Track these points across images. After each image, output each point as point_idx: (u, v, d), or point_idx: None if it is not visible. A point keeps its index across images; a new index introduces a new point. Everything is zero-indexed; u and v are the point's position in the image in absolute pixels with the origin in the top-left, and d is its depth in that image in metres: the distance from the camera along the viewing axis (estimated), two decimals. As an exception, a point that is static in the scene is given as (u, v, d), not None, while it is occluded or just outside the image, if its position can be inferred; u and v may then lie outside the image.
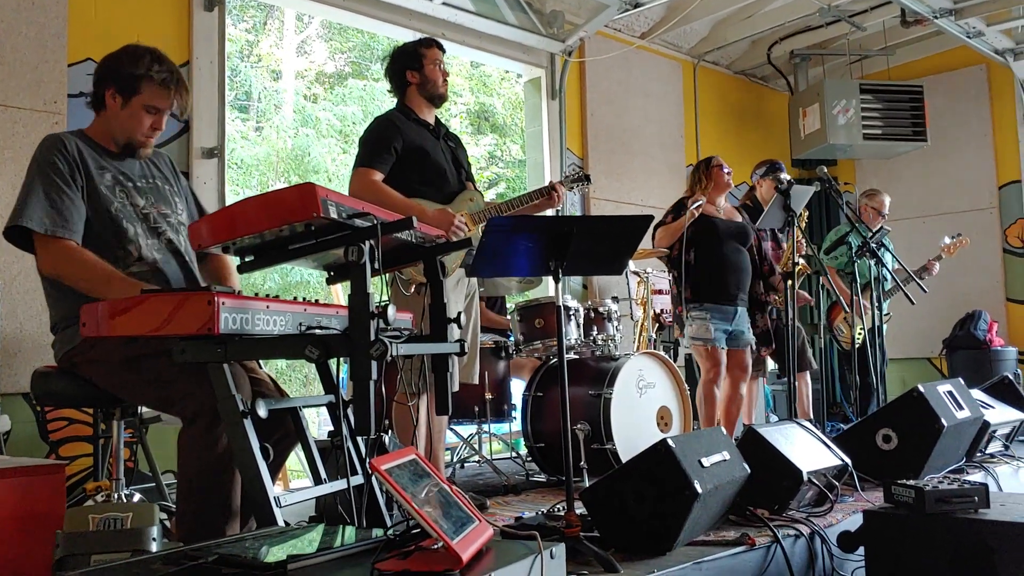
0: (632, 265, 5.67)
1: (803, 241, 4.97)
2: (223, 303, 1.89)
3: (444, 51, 3.74)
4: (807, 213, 5.29)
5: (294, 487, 4.55)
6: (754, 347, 5.01)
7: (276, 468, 2.56)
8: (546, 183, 4.17)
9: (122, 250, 2.50)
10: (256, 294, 2.04)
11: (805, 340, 5.38)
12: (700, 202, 4.74)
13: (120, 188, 2.57)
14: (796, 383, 4.92)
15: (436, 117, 3.76)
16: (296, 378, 10.96)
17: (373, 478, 2.24)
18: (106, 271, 2.41)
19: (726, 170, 4.92)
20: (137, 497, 2.88)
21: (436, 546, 1.47)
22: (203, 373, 2.07)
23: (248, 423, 2.01)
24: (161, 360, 2.21)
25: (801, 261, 5.05)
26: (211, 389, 2.05)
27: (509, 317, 4.74)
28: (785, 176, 5.07)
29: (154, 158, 2.73)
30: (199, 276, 2.70)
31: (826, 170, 4.79)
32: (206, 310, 1.88)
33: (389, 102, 3.84)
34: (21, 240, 2.46)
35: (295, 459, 5.80)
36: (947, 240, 6.16)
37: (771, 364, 5.65)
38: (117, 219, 2.51)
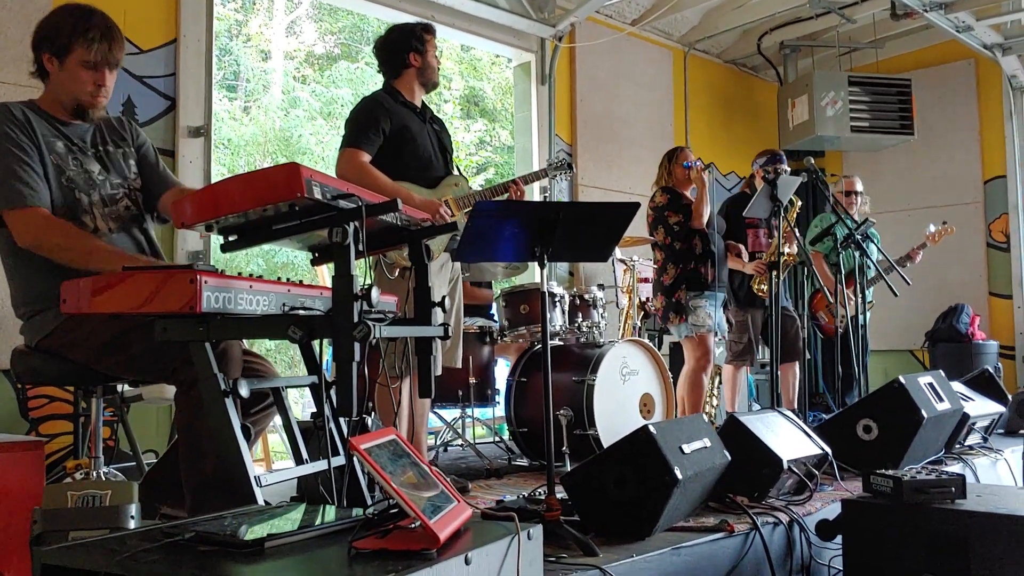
0: (618, 253, 5.69)
1: (791, 231, 5.00)
2: (205, 281, 1.88)
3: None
4: (799, 203, 5.32)
5: (276, 467, 4.55)
6: (727, 335, 5.14)
7: (254, 439, 2.55)
8: (534, 169, 4.17)
9: (77, 221, 2.45)
10: (239, 274, 2.03)
11: (799, 329, 5.41)
12: (697, 163, 4.84)
13: (72, 156, 2.51)
14: (782, 373, 4.98)
15: (423, 101, 3.75)
16: (282, 360, 10.94)
17: (354, 459, 2.24)
18: (87, 239, 2.38)
19: (688, 163, 4.96)
20: (117, 477, 2.88)
21: (414, 525, 1.48)
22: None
23: (229, 402, 2.01)
24: (151, 330, 2.20)
25: (787, 251, 5.08)
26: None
27: (494, 302, 4.75)
28: (784, 167, 5.11)
29: (108, 121, 2.67)
30: (157, 244, 2.67)
31: (813, 161, 4.81)
32: (188, 288, 1.87)
33: (377, 83, 3.82)
34: None
35: (278, 440, 5.80)
36: (932, 228, 6.18)
37: (763, 354, 5.69)
38: (70, 188, 2.46)
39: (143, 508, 2.41)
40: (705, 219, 4.88)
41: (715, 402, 5.63)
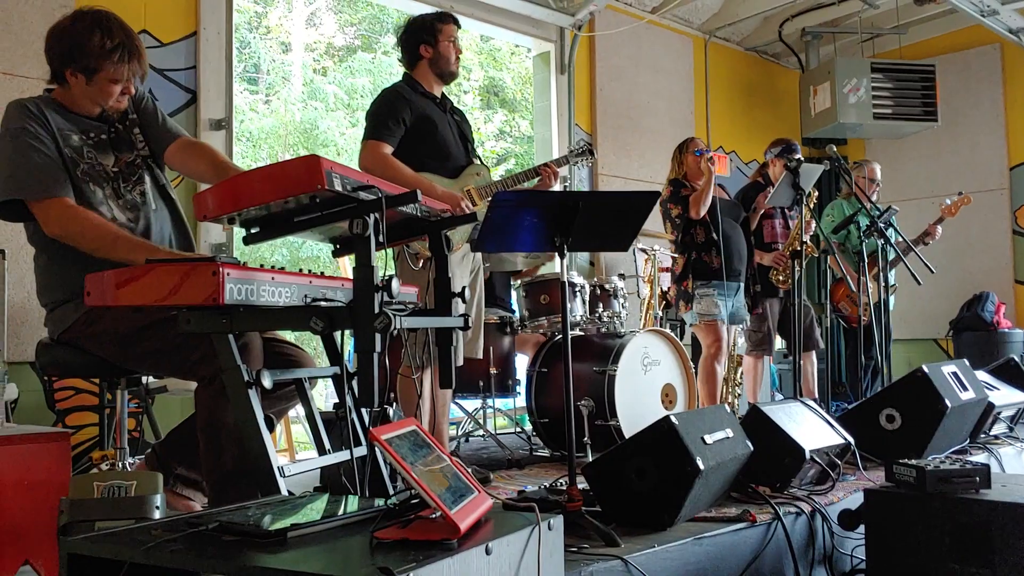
0: (640, 242, 5.66)
1: (811, 220, 4.97)
2: (228, 274, 1.89)
3: (460, 27, 3.72)
4: (816, 192, 5.28)
5: (300, 458, 4.58)
6: (747, 325, 5.11)
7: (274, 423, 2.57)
8: (554, 157, 4.16)
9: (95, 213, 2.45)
10: (262, 266, 2.04)
11: (814, 319, 5.38)
12: (707, 151, 4.81)
13: (87, 148, 2.52)
14: (802, 362, 4.95)
15: (443, 92, 3.75)
16: (307, 350, 10.98)
17: (376, 449, 2.25)
18: (112, 229, 2.39)
19: (698, 151, 4.93)
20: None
21: (435, 515, 1.48)
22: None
23: (253, 393, 2.02)
24: (173, 325, 2.21)
25: (808, 240, 5.05)
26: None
27: (515, 293, 4.75)
28: (797, 156, 5.07)
29: None
30: (184, 221, 2.68)
31: (836, 149, 4.76)
32: (211, 280, 1.88)
33: (398, 75, 3.82)
34: (11, 214, 2.43)
35: (301, 431, 5.84)
36: (948, 201, 6.07)
37: (779, 343, 5.67)
38: (83, 181, 2.47)
39: (160, 467, 2.45)
40: (703, 210, 4.82)
41: (737, 392, 5.60)
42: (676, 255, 5.04)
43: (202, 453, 2.25)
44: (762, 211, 5.34)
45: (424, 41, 3.64)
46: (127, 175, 2.57)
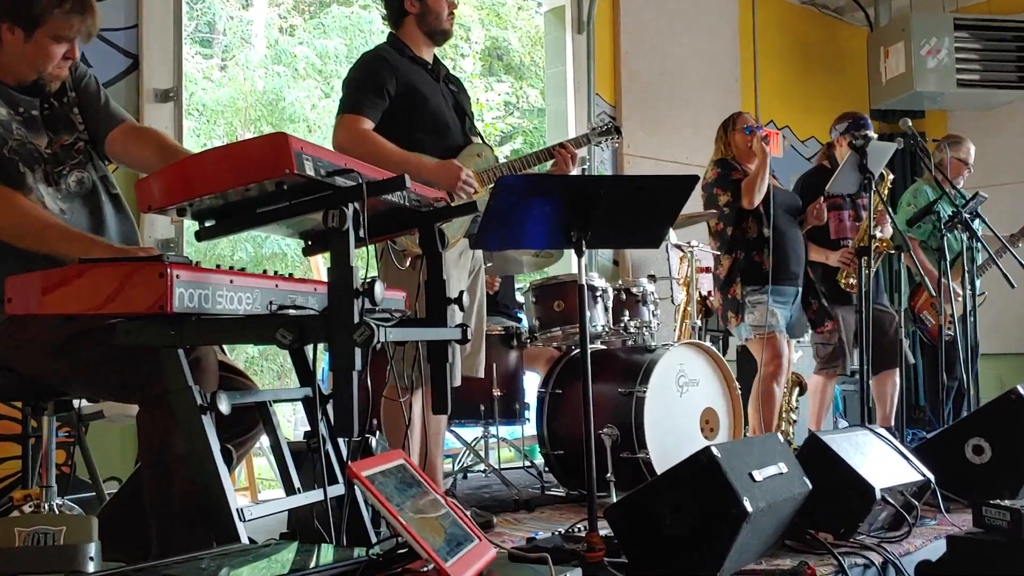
0: (673, 237, 5.66)
1: (884, 210, 4.96)
2: (178, 276, 1.90)
3: None
4: (891, 176, 5.26)
5: (263, 498, 4.59)
6: (809, 337, 5.10)
7: (236, 464, 2.57)
8: (571, 136, 4.17)
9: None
10: (218, 266, 2.05)
11: (899, 328, 5.35)
12: (759, 129, 4.82)
13: (16, 123, 2.53)
14: (878, 383, 4.95)
15: (435, 55, 3.75)
16: (269, 369, 11.01)
17: (355, 488, 2.26)
18: (40, 214, 2.39)
19: (748, 127, 4.93)
20: (76, 510, 2.91)
21: (426, 568, 1.49)
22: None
23: (207, 419, 2.03)
24: (109, 335, 2.22)
25: (879, 234, 5.04)
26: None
27: (523, 299, 4.75)
28: (869, 133, 5.05)
29: None
30: (114, 214, 2.68)
31: (911, 123, 4.76)
32: (157, 284, 1.89)
33: (380, 35, 3.83)
34: None
35: (265, 465, 5.85)
36: None
37: (855, 360, 5.64)
38: (12, 161, 2.47)
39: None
40: (758, 198, 4.82)
41: (793, 418, 5.60)
42: (720, 253, 5.02)
43: (146, 489, 2.26)
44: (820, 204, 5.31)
45: None
46: (62, 158, 2.58)
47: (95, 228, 2.58)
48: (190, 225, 2.35)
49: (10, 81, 2.56)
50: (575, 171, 3.96)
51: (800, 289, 5.05)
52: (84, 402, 3.19)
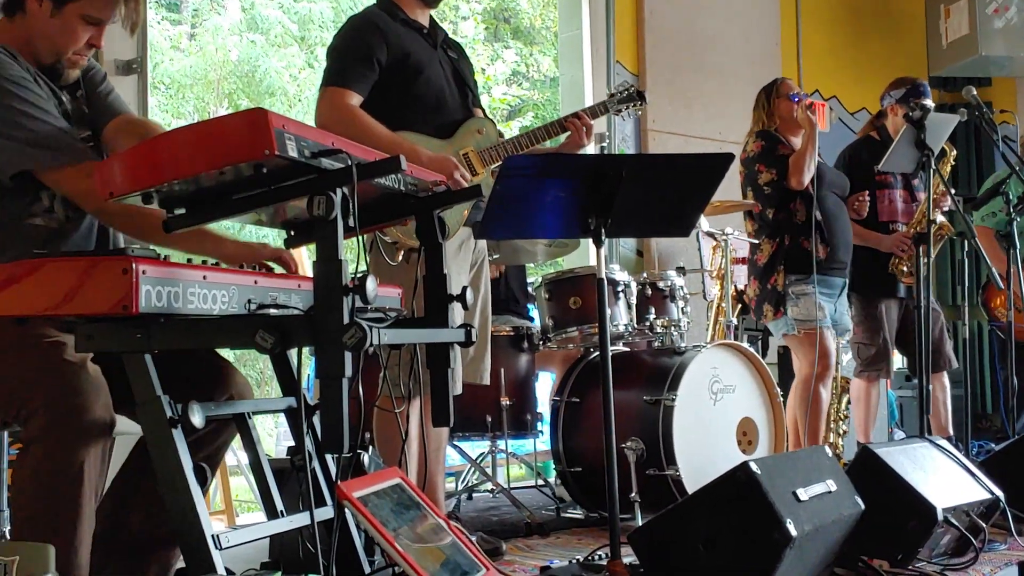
0: (705, 224, 5.66)
1: (945, 191, 4.94)
2: (144, 272, 1.90)
3: None
4: (953, 153, 5.25)
5: (242, 523, 4.60)
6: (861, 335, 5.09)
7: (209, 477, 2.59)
8: (588, 106, 4.15)
9: (31, 195, 2.49)
10: (189, 260, 2.05)
11: (944, 328, 5.35)
12: (804, 97, 4.81)
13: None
14: (931, 387, 4.93)
15: (432, 18, 3.75)
16: (248, 375, 11.00)
17: (347, 510, 2.27)
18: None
19: (794, 95, 4.92)
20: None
21: (430, 602, 1.49)
22: (53, 380, 2.12)
23: (178, 434, 2.04)
24: (22, 361, 2.23)
25: (940, 218, 5.03)
26: (56, 399, 2.10)
27: (534, 294, 4.75)
28: (927, 102, 5.04)
29: None
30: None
31: (976, 92, 4.75)
32: (121, 281, 1.89)
33: (368, -1, 3.84)
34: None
35: (244, 485, 5.85)
36: None
37: (898, 361, 5.64)
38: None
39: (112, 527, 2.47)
40: (807, 176, 4.80)
41: (842, 429, 5.59)
42: (759, 240, 4.99)
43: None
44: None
45: None
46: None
47: (99, 233, 2.62)
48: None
49: (30, 61, 2.58)
50: (592, 147, 3.97)
51: (848, 280, 5.01)
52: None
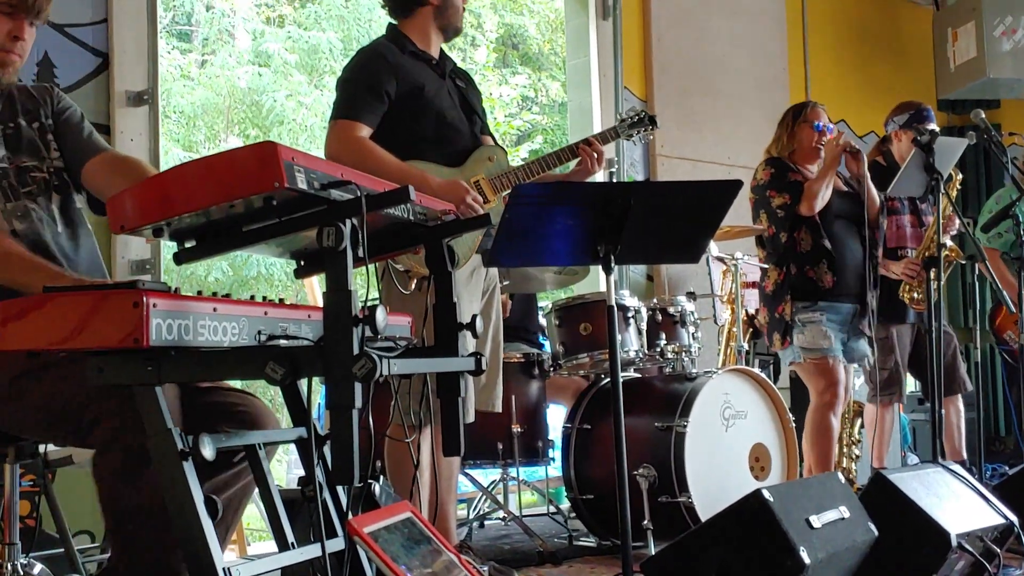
0: (715, 249, 5.66)
1: (953, 215, 4.94)
2: (154, 304, 1.90)
3: None
4: (960, 177, 5.25)
5: (253, 553, 4.59)
6: (870, 362, 5.04)
7: (227, 527, 2.59)
8: (596, 132, 4.16)
9: None
10: (199, 292, 2.06)
11: (957, 350, 5.34)
12: (831, 128, 4.80)
13: None
14: (943, 411, 4.91)
15: (441, 48, 3.77)
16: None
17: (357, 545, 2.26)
18: (4, 242, 2.42)
19: (819, 125, 4.91)
20: (39, 568, 2.92)
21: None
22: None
23: (189, 466, 2.03)
24: (58, 373, 2.24)
25: (950, 243, 5.02)
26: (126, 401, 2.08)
27: (545, 321, 4.75)
28: (931, 126, 5.04)
29: (24, 90, 2.73)
30: (95, 247, 2.72)
31: (984, 115, 4.75)
32: (131, 314, 1.89)
33: (380, 25, 3.85)
34: None
35: (255, 515, 5.84)
36: None
37: (911, 385, 5.63)
38: None
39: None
40: (819, 204, 4.78)
41: (855, 454, 5.57)
42: (768, 265, 4.99)
43: (112, 545, 2.27)
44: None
45: None
46: (24, 178, 2.61)
47: (56, 256, 2.60)
48: (168, 247, 2.37)
49: None
50: (601, 173, 3.97)
51: (858, 306, 4.97)
52: (51, 447, 3.21)
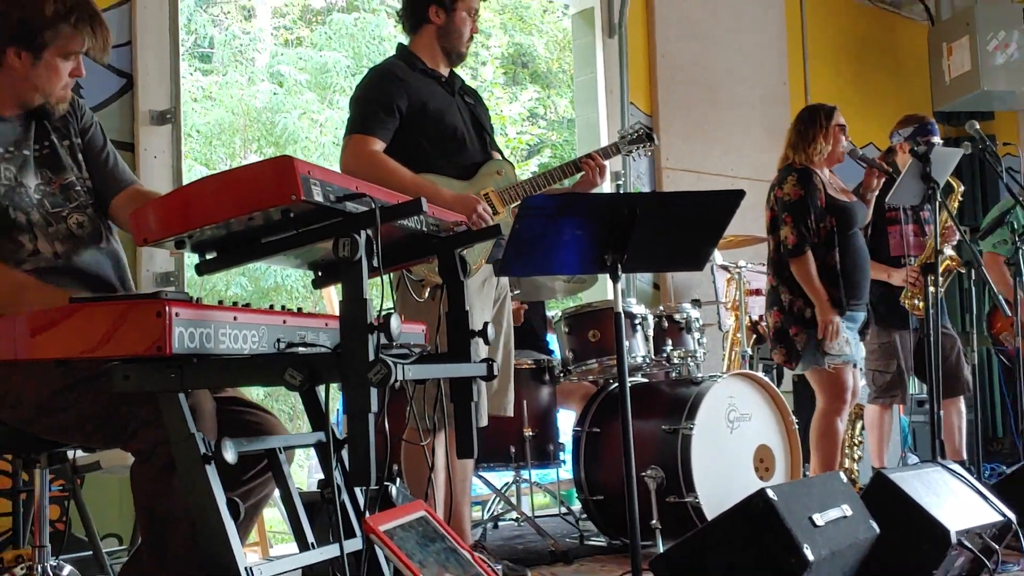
0: (719, 258, 5.66)
1: (952, 224, 4.92)
2: (177, 314, 1.91)
3: None
4: (961, 188, 5.23)
5: (275, 554, 4.59)
6: (880, 364, 5.01)
7: (247, 526, 2.59)
8: (602, 147, 4.16)
9: (11, 243, 2.50)
10: (220, 302, 2.06)
11: (961, 353, 5.31)
12: (858, 151, 4.76)
13: (4, 163, 2.57)
14: (943, 412, 4.88)
15: (451, 69, 3.79)
16: (280, 411, 11.04)
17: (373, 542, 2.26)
18: (13, 276, 2.44)
19: (849, 149, 4.87)
20: (67, 570, 2.93)
21: (455, 631, 1.49)
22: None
23: (211, 470, 2.04)
24: (102, 383, 2.24)
25: (948, 251, 5.00)
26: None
27: (555, 329, 4.75)
28: (936, 139, 5.01)
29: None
30: (125, 266, 2.73)
31: (979, 126, 4.74)
32: (155, 324, 1.90)
33: (391, 41, 3.86)
34: None
35: (276, 517, 5.85)
36: None
37: (915, 387, 5.60)
38: (0, 205, 2.52)
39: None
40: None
41: (857, 454, 5.55)
42: (778, 280, 4.89)
43: (145, 549, 2.27)
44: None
45: (437, 1, 3.67)
46: (61, 199, 2.63)
47: (96, 272, 2.62)
48: (190, 258, 2.37)
49: (7, 112, 2.61)
50: (607, 185, 3.97)
51: (867, 313, 4.89)
52: (80, 453, 3.21)
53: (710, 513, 3.89)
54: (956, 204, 5.05)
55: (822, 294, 4.58)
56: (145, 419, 2.20)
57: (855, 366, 4.90)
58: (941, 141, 4.93)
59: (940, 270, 4.40)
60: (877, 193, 4.93)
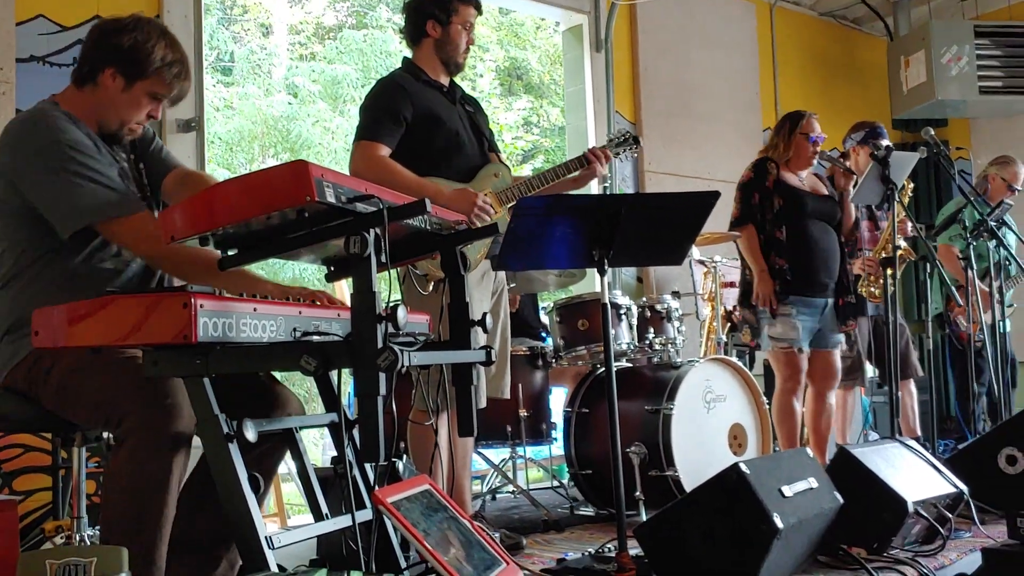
0: (696, 253, 5.66)
1: (906, 219, 4.93)
2: (201, 305, 1.91)
3: (480, 13, 3.74)
4: (912, 185, 5.24)
5: (292, 524, 4.60)
6: (844, 348, 4.98)
7: (264, 487, 2.60)
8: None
9: (97, 243, 2.53)
10: (241, 294, 2.06)
11: (909, 340, 5.33)
12: (819, 137, 4.81)
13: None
14: (899, 394, 4.88)
15: (451, 79, 3.78)
16: (297, 394, 10.99)
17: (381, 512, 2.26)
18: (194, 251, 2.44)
19: (814, 137, 4.85)
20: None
21: (457, 594, 1.49)
22: (147, 386, 2.16)
23: (234, 448, 2.04)
24: (107, 371, 2.27)
25: (903, 244, 5.00)
26: (151, 404, 2.14)
27: (547, 318, 4.75)
28: (885, 142, 5.02)
29: None
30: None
31: (934, 132, 4.74)
32: (181, 314, 1.91)
33: (396, 57, 3.86)
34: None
35: (293, 490, 5.86)
36: None
37: (871, 371, 5.61)
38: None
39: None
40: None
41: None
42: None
43: (105, 525, 2.27)
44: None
45: (434, 16, 3.66)
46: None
47: (151, 279, 2.66)
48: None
49: (92, 127, 2.62)
50: (596, 187, 3.96)
51: (830, 300, 4.86)
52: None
53: (688, 485, 3.89)
54: (908, 198, 5.05)
55: (761, 263, 4.70)
56: (127, 410, 2.20)
57: (828, 348, 4.85)
58: (891, 143, 4.93)
59: (896, 260, 4.40)
60: (850, 196, 4.92)
